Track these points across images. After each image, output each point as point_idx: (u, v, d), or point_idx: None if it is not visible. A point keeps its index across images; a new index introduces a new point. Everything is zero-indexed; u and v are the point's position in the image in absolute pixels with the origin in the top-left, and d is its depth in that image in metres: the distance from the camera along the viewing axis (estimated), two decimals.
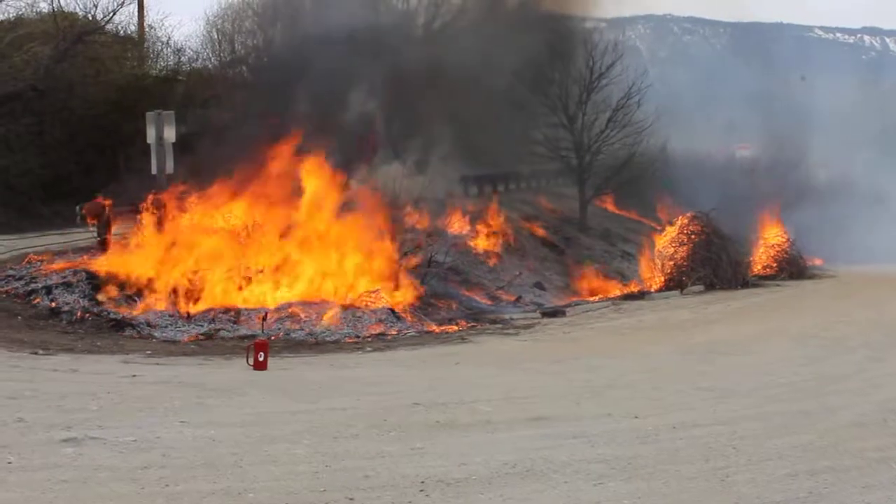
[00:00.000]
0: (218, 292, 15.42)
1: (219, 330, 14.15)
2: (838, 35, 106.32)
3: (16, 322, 13.63)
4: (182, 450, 7.21)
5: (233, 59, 30.20)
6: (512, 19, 26.84)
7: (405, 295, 16.43)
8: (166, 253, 15.85)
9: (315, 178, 17.47)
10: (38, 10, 26.20)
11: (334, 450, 7.39)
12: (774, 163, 36.65)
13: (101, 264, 15.66)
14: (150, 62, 28.86)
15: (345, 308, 15.31)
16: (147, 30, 28.86)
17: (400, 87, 20.71)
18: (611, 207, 33.96)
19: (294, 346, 13.38)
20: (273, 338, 13.59)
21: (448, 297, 17.68)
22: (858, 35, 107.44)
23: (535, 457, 7.24)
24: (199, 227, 16.64)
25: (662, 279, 21.32)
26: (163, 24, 31.47)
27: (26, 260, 16.61)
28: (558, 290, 22.53)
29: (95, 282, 15.10)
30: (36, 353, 11.64)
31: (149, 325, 14.13)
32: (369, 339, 14.12)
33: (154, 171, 17.72)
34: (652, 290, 21.04)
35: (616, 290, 22.67)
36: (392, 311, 15.61)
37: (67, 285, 14.91)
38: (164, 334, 13.82)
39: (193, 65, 29.54)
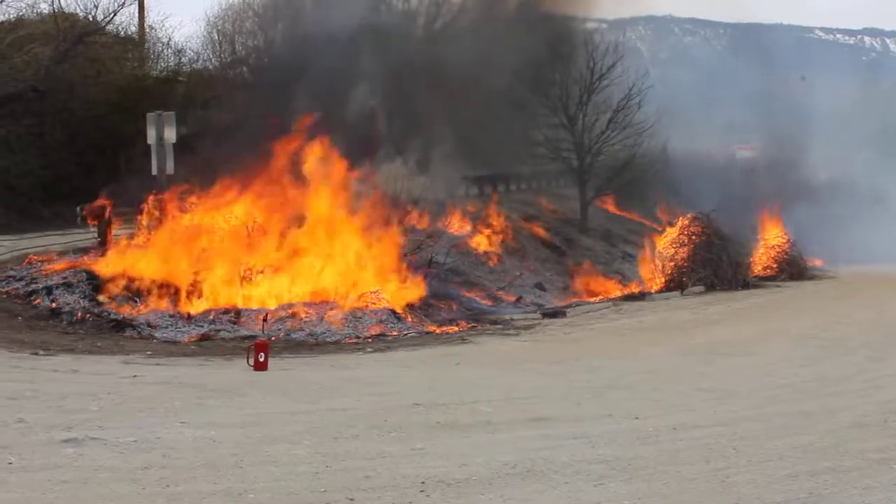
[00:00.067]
0: (219, 292, 15.42)
1: (219, 331, 14.15)
2: (839, 36, 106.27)
3: (16, 322, 13.64)
4: (182, 450, 7.21)
5: (233, 59, 30.20)
6: (512, 20, 26.84)
7: (412, 292, 16.46)
8: (167, 253, 15.85)
9: (321, 168, 17.51)
10: (39, 10, 26.27)
11: (335, 450, 7.39)
12: (775, 163, 36.63)
13: (103, 265, 15.67)
14: (151, 63, 28.88)
15: (345, 309, 15.31)
16: (148, 30, 28.90)
17: (400, 86, 20.71)
18: (611, 208, 33.95)
19: (294, 346, 13.38)
20: (273, 338, 13.59)
21: (448, 298, 17.68)
22: (859, 36, 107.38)
23: (535, 457, 7.24)
24: (199, 228, 16.63)
25: (663, 280, 21.34)
26: (163, 25, 31.50)
27: (27, 260, 16.61)
28: (559, 291, 22.53)
29: (96, 282, 15.11)
30: (36, 354, 11.64)
31: (149, 325, 14.14)
32: (370, 340, 14.11)
33: (154, 171, 17.72)
34: (652, 290, 21.05)
35: (616, 290, 22.68)
36: (393, 311, 15.60)
37: (68, 286, 14.92)
38: (164, 335, 13.82)
39: (194, 65, 29.57)
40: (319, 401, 9.38)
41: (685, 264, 21.15)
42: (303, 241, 16.71)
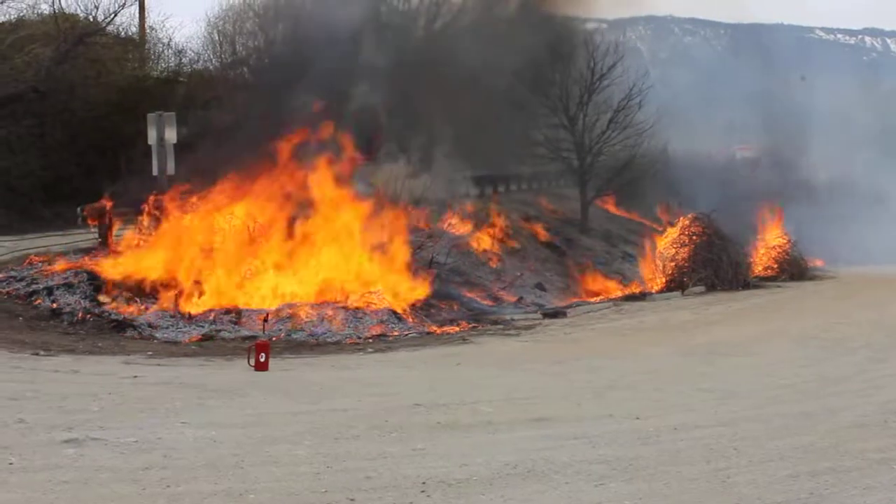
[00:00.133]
0: (220, 292, 15.42)
1: (220, 331, 14.15)
2: (839, 36, 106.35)
3: (17, 323, 13.63)
4: (183, 451, 7.21)
5: (234, 60, 30.21)
6: (513, 20, 26.84)
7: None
8: (167, 254, 15.85)
9: (326, 168, 17.56)
10: (40, 11, 26.26)
11: (335, 451, 7.40)
12: (775, 163, 36.65)
13: (103, 266, 15.67)
14: (152, 64, 28.89)
15: (346, 309, 15.32)
16: (148, 31, 28.91)
17: (401, 86, 20.72)
18: (612, 208, 33.97)
19: (295, 346, 13.38)
20: (274, 339, 13.60)
21: (449, 298, 17.70)
22: (859, 36, 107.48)
23: (536, 457, 7.24)
24: (200, 228, 16.64)
25: (663, 280, 21.34)
26: (164, 26, 31.46)
27: (27, 261, 16.62)
28: (559, 291, 22.54)
29: (97, 283, 15.12)
30: (37, 354, 11.64)
31: (150, 325, 14.14)
32: (370, 340, 14.12)
33: (155, 172, 17.73)
34: (653, 291, 21.05)
35: (617, 290, 22.68)
36: (393, 312, 15.61)
37: (69, 286, 14.92)
38: (165, 335, 13.82)
39: (195, 66, 29.59)
40: (320, 401, 9.39)
41: (686, 264, 21.15)
42: (306, 239, 16.71)
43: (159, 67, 28.88)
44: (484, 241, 22.59)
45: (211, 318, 14.66)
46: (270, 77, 24.39)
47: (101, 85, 24.77)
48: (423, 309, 16.39)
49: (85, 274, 15.30)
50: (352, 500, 6.25)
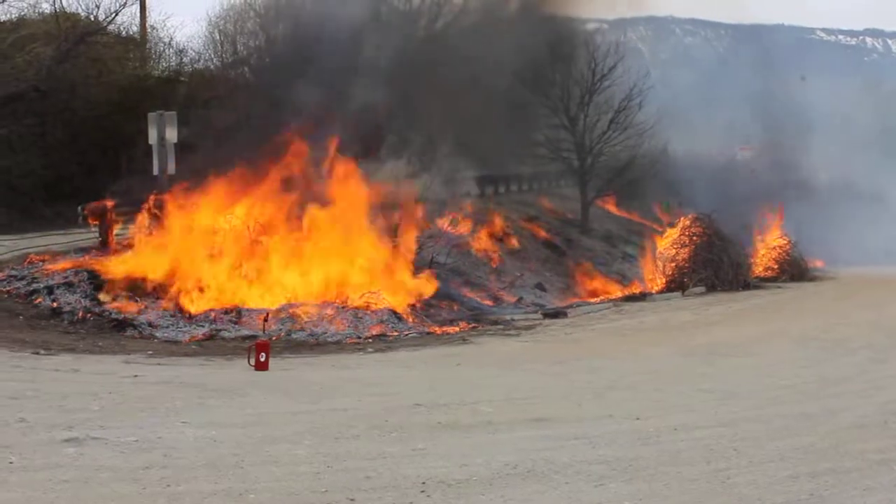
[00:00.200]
0: (221, 292, 15.43)
1: (220, 330, 14.16)
2: (840, 37, 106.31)
3: (17, 322, 13.64)
4: (183, 450, 7.22)
5: (235, 59, 30.21)
6: (514, 20, 26.84)
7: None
8: (168, 253, 15.86)
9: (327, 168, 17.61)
10: (41, 10, 26.27)
11: (336, 450, 7.40)
12: (776, 164, 36.64)
13: (104, 265, 15.67)
14: (153, 63, 28.89)
15: (347, 308, 15.32)
16: (149, 30, 28.90)
17: (401, 86, 20.72)
18: (612, 209, 33.99)
19: (295, 346, 13.39)
20: (274, 338, 13.60)
21: (449, 298, 17.71)
22: (860, 37, 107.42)
23: (536, 458, 7.25)
24: (201, 227, 16.64)
25: (664, 280, 21.35)
26: (165, 25, 31.65)
27: (28, 260, 16.63)
28: (559, 292, 22.55)
29: (97, 282, 15.12)
30: (37, 354, 11.65)
31: (150, 325, 14.15)
32: (370, 340, 14.13)
33: (156, 171, 17.74)
34: (653, 291, 21.06)
35: (617, 291, 22.69)
36: (393, 311, 15.62)
37: (69, 285, 14.93)
38: (165, 334, 13.83)
39: (195, 66, 29.59)
40: (320, 401, 9.39)
41: (686, 265, 21.16)
42: (306, 240, 16.72)
43: (160, 67, 28.89)
44: (484, 242, 22.59)
45: (211, 317, 14.67)
46: (271, 77, 24.39)
47: (102, 84, 24.78)
48: (423, 309, 16.39)
49: (85, 273, 15.31)
50: (352, 499, 6.25)
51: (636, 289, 21.83)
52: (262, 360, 11.06)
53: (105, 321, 14.05)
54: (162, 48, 29.35)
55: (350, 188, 17.64)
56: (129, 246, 16.67)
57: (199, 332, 14.00)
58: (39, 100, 23.46)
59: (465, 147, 22.11)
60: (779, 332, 15.12)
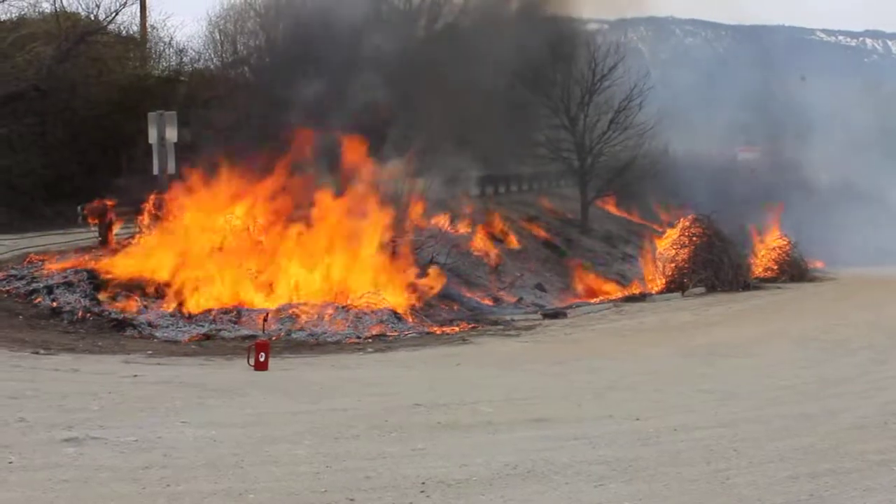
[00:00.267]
0: (222, 292, 15.42)
1: (220, 330, 14.15)
2: (840, 38, 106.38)
3: (17, 322, 13.63)
4: (183, 450, 7.21)
5: (235, 59, 30.23)
6: (514, 20, 26.86)
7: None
8: (167, 253, 15.85)
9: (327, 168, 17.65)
10: (41, 10, 26.30)
11: (335, 450, 7.40)
12: (776, 165, 36.69)
13: (104, 264, 15.67)
14: (153, 62, 28.91)
15: (346, 308, 15.32)
16: (149, 30, 28.92)
17: (402, 86, 20.73)
18: (612, 209, 34.00)
19: (295, 346, 13.38)
20: (274, 338, 13.59)
21: (449, 299, 17.71)
22: (860, 38, 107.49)
23: (536, 458, 7.24)
24: (201, 227, 16.64)
25: (663, 281, 21.35)
26: (165, 25, 31.69)
27: (27, 260, 16.62)
28: (559, 292, 22.56)
29: (97, 282, 15.11)
30: (37, 353, 11.64)
31: (150, 325, 14.14)
32: (370, 340, 14.12)
33: (156, 171, 17.74)
34: (653, 291, 21.05)
35: (617, 291, 22.69)
36: (393, 312, 15.62)
37: (69, 285, 14.91)
38: (165, 334, 13.82)
39: (196, 65, 29.61)
40: (320, 401, 9.39)
41: (686, 265, 21.16)
42: (307, 239, 16.73)
43: (160, 66, 28.91)
44: (484, 242, 22.59)
45: (211, 317, 14.66)
46: (271, 76, 24.40)
47: (102, 84, 24.79)
48: (423, 309, 16.39)
49: (85, 273, 15.30)
50: (351, 500, 6.24)
51: (636, 289, 21.82)
52: (262, 359, 11.06)
53: (105, 321, 14.04)
54: (162, 48, 29.42)
55: (347, 189, 17.68)
56: (129, 246, 16.65)
57: (199, 331, 14.00)
58: (40, 99, 23.47)
59: (465, 147, 22.12)
60: (779, 332, 15.12)
